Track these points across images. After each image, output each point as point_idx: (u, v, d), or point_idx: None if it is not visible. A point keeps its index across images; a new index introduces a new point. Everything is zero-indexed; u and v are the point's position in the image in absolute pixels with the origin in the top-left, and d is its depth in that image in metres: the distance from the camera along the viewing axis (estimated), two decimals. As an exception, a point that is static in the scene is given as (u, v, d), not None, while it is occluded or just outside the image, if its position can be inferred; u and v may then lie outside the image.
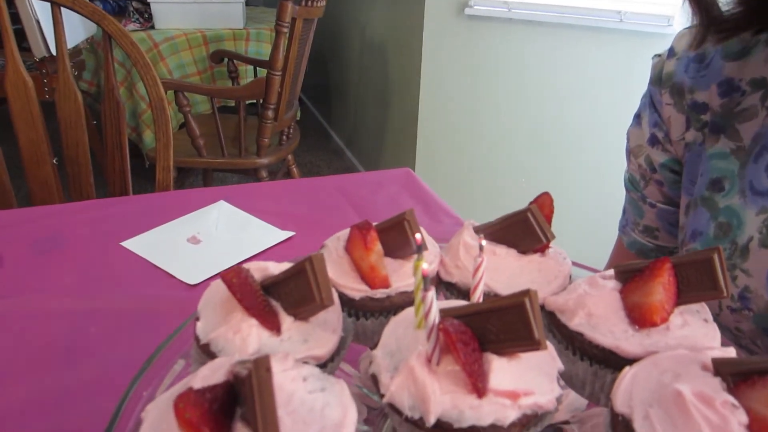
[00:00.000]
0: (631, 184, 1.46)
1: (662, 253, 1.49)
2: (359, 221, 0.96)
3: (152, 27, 4.25)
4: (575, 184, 4.13)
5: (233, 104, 4.58)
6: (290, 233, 1.82)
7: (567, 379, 0.94)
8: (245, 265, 0.94)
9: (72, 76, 2.41)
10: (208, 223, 1.88)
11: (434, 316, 0.72)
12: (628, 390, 0.74)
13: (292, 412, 0.68)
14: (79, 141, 2.45)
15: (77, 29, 4.51)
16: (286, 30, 3.61)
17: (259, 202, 2.05)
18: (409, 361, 0.75)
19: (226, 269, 0.85)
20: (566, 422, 1.03)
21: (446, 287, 1.04)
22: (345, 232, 1.02)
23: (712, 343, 0.83)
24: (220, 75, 4.77)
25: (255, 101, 4.41)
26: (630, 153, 1.42)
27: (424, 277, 0.69)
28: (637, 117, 1.40)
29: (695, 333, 0.85)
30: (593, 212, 4.00)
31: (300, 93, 4.60)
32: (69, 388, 1.14)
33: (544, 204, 0.98)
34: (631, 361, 0.81)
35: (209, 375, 0.71)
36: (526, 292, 0.71)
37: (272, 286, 0.88)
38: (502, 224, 1.01)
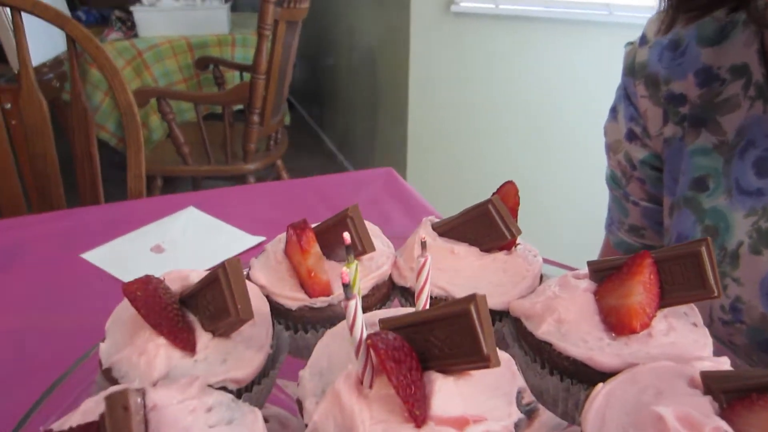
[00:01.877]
0: (613, 181, 1.35)
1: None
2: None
3: (135, 35, 4.16)
4: (567, 180, 4.01)
5: (221, 111, 4.50)
6: (261, 238, 1.72)
7: (537, 395, 0.82)
8: (164, 274, 0.82)
9: (35, 83, 2.29)
10: (174, 231, 1.78)
11: (360, 329, 0.59)
12: (601, 412, 0.62)
13: (184, 453, 0.55)
14: (46, 152, 2.34)
15: (58, 40, 4.42)
16: (268, 33, 3.51)
17: (231, 207, 1.95)
18: (335, 384, 0.62)
19: (131, 281, 0.72)
20: (543, 444, 0.90)
21: (401, 293, 0.91)
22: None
23: (702, 352, 0.70)
24: (206, 82, 4.67)
25: (243, 107, 4.33)
26: (609, 149, 1.33)
27: (344, 284, 0.56)
28: (613, 111, 1.30)
29: (682, 340, 0.72)
30: (585, 210, 3.88)
31: (290, 97, 4.49)
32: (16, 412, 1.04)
33: (508, 195, 0.86)
34: (607, 375, 0.68)
35: (92, 410, 0.59)
36: (472, 297, 0.58)
37: (190, 299, 0.76)
38: (461, 219, 0.88)
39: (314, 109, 6.80)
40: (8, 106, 3.98)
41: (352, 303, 0.58)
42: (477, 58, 3.82)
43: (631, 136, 1.24)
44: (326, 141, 6.27)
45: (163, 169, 3.84)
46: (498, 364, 0.59)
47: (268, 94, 3.73)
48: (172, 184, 5.16)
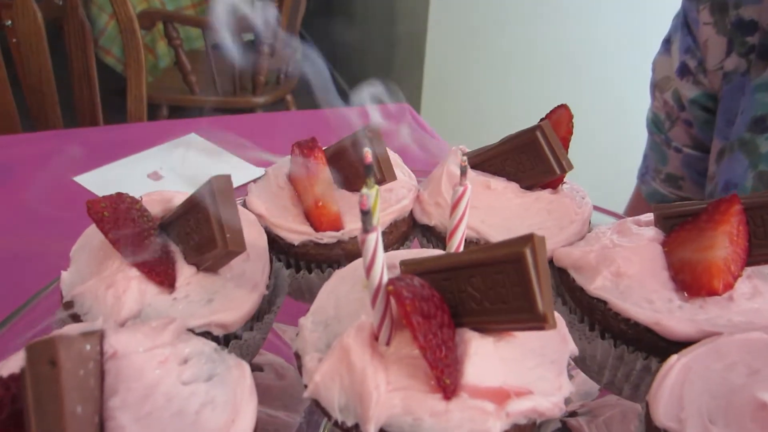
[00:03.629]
0: (654, 125, 1.23)
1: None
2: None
3: (144, -45, 3.95)
4: (595, 126, 3.82)
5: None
6: (264, 170, 1.60)
7: (578, 360, 0.69)
8: (144, 195, 0.69)
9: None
10: (174, 158, 1.66)
11: (380, 271, 0.46)
12: (677, 392, 0.49)
13: (147, 415, 0.43)
14: (42, 67, 2.19)
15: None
16: (283, -42, 3.32)
17: (234, 136, 1.81)
18: (344, 338, 0.49)
19: (98, 198, 0.59)
20: (573, 413, 0.78)
21: (422, 231, 0.77)
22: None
23: (800, 323, 0.57)
24: (216, 8, 4.46)
25: (253, 38, 4.15)
26: (655, 87, 1.20)
27: (363, 211, 0.43)
28: (666, 42, 1.17)
29: (769, 306, 0.59)
30: (611, 156, 3.71)
31: (302, 30, 4.30)
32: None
33: (560, 121, 0.71)
34: (677, 344, 0.55)
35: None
36: (529, 239, 0.45)
37: (172, 225, 0.63)
38: (500, 148, 0.74)
39: (327, 44, 6.55)
40: (9, 23, 3.79)
41: (371, 237, 0.44)
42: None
43: (683, 71, 1.11)
44: (339, 79, 6.06)
45: (169, 98, 3.69)
46: (555, 325, 0.46)
47: (279, 24, 3.56)
48: (177, 115, 5.01)
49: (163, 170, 1.61)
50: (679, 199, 1.24)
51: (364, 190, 0.43)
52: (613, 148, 3.67)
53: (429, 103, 4.14)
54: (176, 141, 1.74)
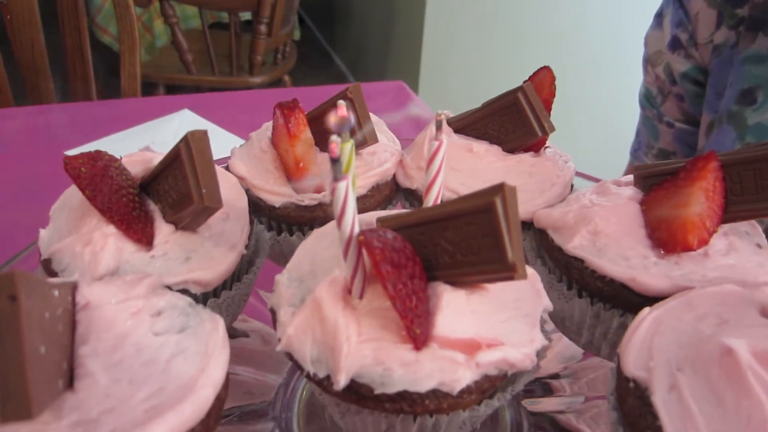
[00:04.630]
0: (646, 100, 1.23)
1: None
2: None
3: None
4: (591, 100, 3.80)
5: (227, 20, 4.28)
6: None
7: (558, 321, 0.69)
8: (124, 156, 0.69)
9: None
10: (166, 133, 1.66)
11: (351, 221, 0.46)
12: (647, 343, 0.49)
13: (116, 364, 0.43)
14: (34, 41, 2.17)
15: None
16: (280, -65, 3.28)
17: (228, 112, 1.81)
18: (317, 291, 0.49)
19: (76, 154, 0.59)
20: (555, 375, 0.79)
21: (405, 196, 0.78)
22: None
23: (771, 278, 0.57)
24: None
25: (250, 18, 4.12)
26: (647, 62, 1.20)
27: (332, 159, 0.43)
28: (658, 17, 1.16)
29: (744, 262, 0.59)
30: (601, 132, 3.70)
31: (301, 11, 4.25)
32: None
33: (542, 83, 0.71)
34: (652, 300, 0.55)
35: None
36: (499, 188, 0.45)
37: (151, 184, 0.63)
38: (483, 112, 0.74)
39: (326, 26, 6.49)
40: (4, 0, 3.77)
41: (341, 186, 0.44)
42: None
43: (675, 45, 1.10)
44: (336, 60, 6.01)
45: (165, 77, 3.67)
46: (524, 275, 0.46)
47: (277, 3, 3.53)
48: (174, 95, 4.98)
49: (155, 145, 1.60)
50: None
51: (335, 137, 0.42)
52: (603, 125, 3.66)
53: (426, 81, 4.12)
54: (169, 116, 1.73)
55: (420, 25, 3.96)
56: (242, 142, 1.59)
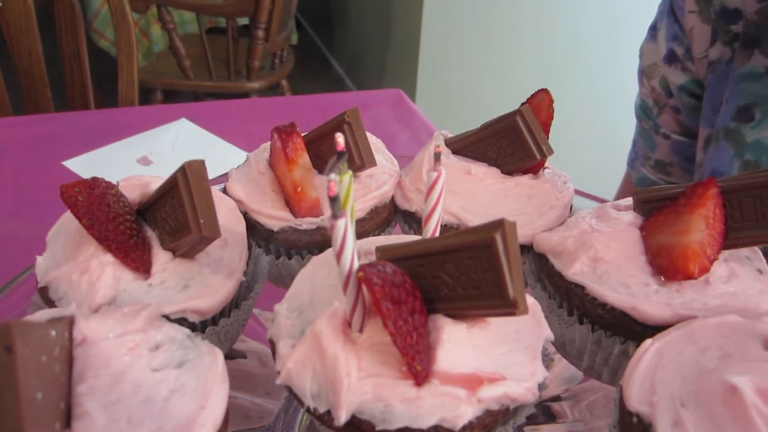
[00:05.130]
0: (642, 111, 1.22)
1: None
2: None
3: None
4: (587, 111, 3.81)
5: (225, 25, 4.28)
6: None
7: (558, 345, 0.69)
8: (122, 180, 0.68)
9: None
10: (164, 143, 1.66)
11: (350, 257, 0.46)
12: (649, 377, 0.49)
13: (114, 402, 0.43)
14: (31, 49, 2.17)
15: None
16: (277, -60, 3.28)
17: (226, 122, 1.81)
18: (316, 325, 0.49)
19: (72, 182, 0.59)
20: (557, 398, 0.78)
21: (404, 218, 0.77)
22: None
23: (773, 306, 0.57)
24: (211, -6, 4.42)
25: (248, 23, 4.12)
26: (642, 74, 1.19)
27: (330, 198, 0.42)
28: (653, 30, 1.16)
29: (746, 289, 0.59)
30: (599, 141, 3.70)
31: (299, 16, 4.25)
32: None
33: (540, 106, 0.71)
34: (653, 329, 0.55)
35: None
36: (499, 224, 0.45)
37: (149, 210, 0.62)
38: (481, 133, 0.73)
39: (323, 30, 6.49)
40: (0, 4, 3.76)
41: (340, 223, 0.44)
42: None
43: (671, 59, 1.10)
44: (334, 65, 6.01)
45: (163, 82, 3.67)
46: (526, 311, 0.46)
47: (274, 8, 3.53)
48: (171, 100, 4.97)
49: (153, 155, 1.60)
50: (668, 185, 1.26)
51: (332, 176, 0.42)
52: (601, 134, 3.67)
53: (423, 89, 4.12)
54: (166, 126, 1.73)
55: (417, 29, 3.97)
56: (239, 152, 1.59)
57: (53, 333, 0.41)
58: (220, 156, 1.60)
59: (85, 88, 2.26)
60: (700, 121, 1.09)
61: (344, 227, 0.44)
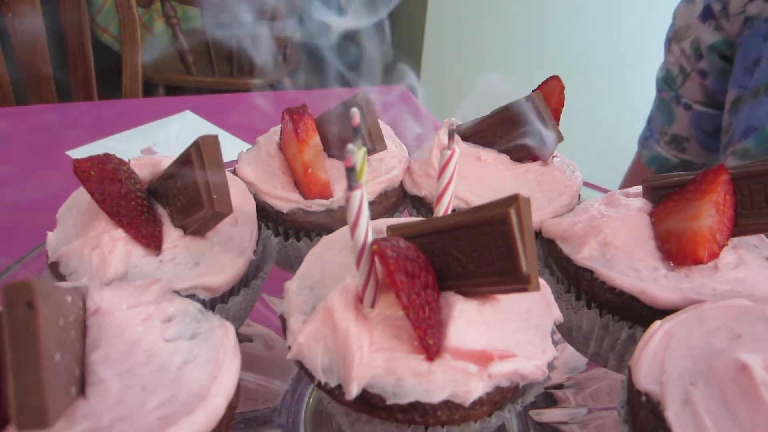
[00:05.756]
0: (664, 82, 1.23)
1: (687, 171, 1.26)
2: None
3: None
4: (586, 95, 3.80)
5: (227, 20, 4.28)
6: None
7: (564, 331, 0.69)
8: (132, 159, 0.68)
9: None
10: (168, 135, 1.66)
11: (365, 230, 0.46)
12: (659, 357, 0.49)
13: (128, 371, 0.43)
14: (36, 41, 2.17)
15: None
16: (281, -67, 3.29)
17: (230, 115, 1.81)
18: (328, 299, 0.49)
19: (85, 157, 0.59)
20: (559, 386, 0.79)
21: (412, 203, 0.77)
22: (285, 128, 0.75)
23: (782, 292, 0.57)
24: (213, -13, 4.43)
25: (251, 17, 4.11)
26: (672, 39, 1.19)
27: (348, 168, 0.43)
28: None
29: (754, 276, 0.59)
30: (605, 129, 3.70)
31: (301, 11, 4.25)
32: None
33: (552, 92, 0.71)
34: (662, 313, 0.55)
35: None
36: (513, 199, 0.45)
37: (160, 188, 0.63)
38: (491, 120, 0.74)
39: (326, 27, 6.50)
40: (4, -2, 3.76)
41: (356, 194, 0.44)
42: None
43: (706, 16, 1.11)
44: (337, 61, 6.02)
45: (166, 77, 3.67)
46: (538, 287, 0.46)
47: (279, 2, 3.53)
48: (174, 95, 4.97)
49: (157, 146, 1.60)
50: (681, 163, 1.24)
51: (350, 147, 0.42)
52: (609, 128, 3.65)
53: (427, 86, 4.11)
54: (171, 118, 1.73)
55: (421, 27, 3.96)
56: (244, 144, 1.59)
57: (69, 299, 0.41)
58: (224, 148, 1.61)
59: (89, 81, 2.26)
60: (726, 85, 1.11)
61: (360, 198, 0.44)
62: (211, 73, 3.78)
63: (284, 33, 3.89)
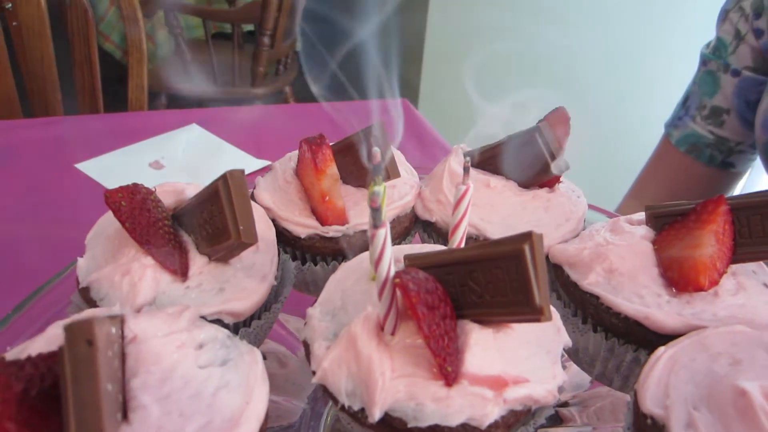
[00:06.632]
0: (713, 52, 1.24)
1: (720, 151, 1.25)
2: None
3: (143, -58, 3.89)
4: (591, 114, 3.83)
5: (230, 31, 4.32)
6: (265, 162, 1.61)
7: (571, 352, 0.72)
8: (157, 186, 0.71)
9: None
10: (175, 148, 1.68)
11: (388, 264, 0.49)
12: (663, 381, 0.52)
13: (166, 397, 0.46)
14: (43, 53, 2.19)
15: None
16: (283, -52, 3.32)
17: (236, 128, 1.83)
18: (351, 327, 0.52)
19: (116, 188, 0.62)
20: (564, 404, 0.81)
21: (423, 227, 0.80)
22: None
23: (780, 318, 0.60)
24: (217, 0, 4.47)
25: (253, 29, 4.15)
26: (730, 9, 1.20)
27: (373, 208, 0.46)
28: None
29: (753, 301, 0.62)
30: (608, 148, 3.73)
31: (301, 22, 4.29)
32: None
33: (558, 121, 0.74)
34: (665, 337, 0.58)
35: (59, 336, 0.48)
36: (527, 236, 0.48)
37: (184, 216, 0.65)
38: (500, 148, 0.77)
39: (326, 38, 6.53)
40: (9, 5, 3.78)
41: (380, 233, 0.47)
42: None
43: None
44: (339, 72, 6.05)
45: (168, 87, 3.70)
46: (550, 318, 0.49)
47: (280, 15, 3.56)
48: (176, 104, 4.99)
49: (165, 159, 1.62)
50: (716, 141, 1.24)
51: (374, 188, 0.45)
52: (609, 148, 3.68)
53: (426, 98, 4.14)
54: (178, 131, 1.75)
55: (421, 37, 3.98)
56: (249, 157, 1.61)
57: (113, 330, 0.44)
58: (230, 161, 1.63)
59: (95, 92, 2.28)
60: None
61: (384, 237, 0.47)
62: (213, 82, 3.81)
63: (286, 43, 3.91)
